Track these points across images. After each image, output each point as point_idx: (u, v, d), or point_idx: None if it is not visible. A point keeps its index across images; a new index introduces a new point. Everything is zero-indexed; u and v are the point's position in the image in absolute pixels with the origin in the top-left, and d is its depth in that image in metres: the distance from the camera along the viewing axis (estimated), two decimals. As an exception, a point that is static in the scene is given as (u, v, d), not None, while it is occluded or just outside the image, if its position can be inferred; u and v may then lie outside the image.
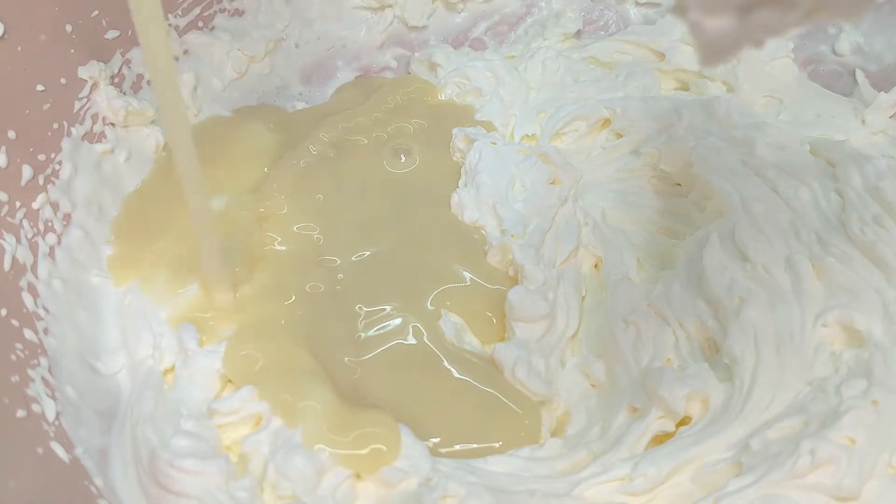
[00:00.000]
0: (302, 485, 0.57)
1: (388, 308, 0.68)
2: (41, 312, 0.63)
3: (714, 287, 0.66)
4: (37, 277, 0.64)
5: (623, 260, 0.72)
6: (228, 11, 0.81)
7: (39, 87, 0.67)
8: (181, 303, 0.67)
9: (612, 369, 0.66)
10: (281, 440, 0.59)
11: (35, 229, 0.65)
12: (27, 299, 0.62)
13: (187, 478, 0.56)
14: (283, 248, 0.71)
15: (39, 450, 0.55)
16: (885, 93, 0.77)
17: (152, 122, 0.75)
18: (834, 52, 0.83)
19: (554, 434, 0.65)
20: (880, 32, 0.80)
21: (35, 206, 0.66)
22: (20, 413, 0.55)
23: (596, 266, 0.73)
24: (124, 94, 0.73)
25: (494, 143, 0.77)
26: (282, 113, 0.83)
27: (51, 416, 0.57)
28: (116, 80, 0.73)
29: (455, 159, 0.79)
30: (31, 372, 0.59)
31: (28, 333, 0.61)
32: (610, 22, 0.90)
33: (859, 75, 0.81)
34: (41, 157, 0.67)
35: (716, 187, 0.72)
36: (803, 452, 0.56)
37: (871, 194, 0.69)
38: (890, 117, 0.77)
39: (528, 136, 0.81)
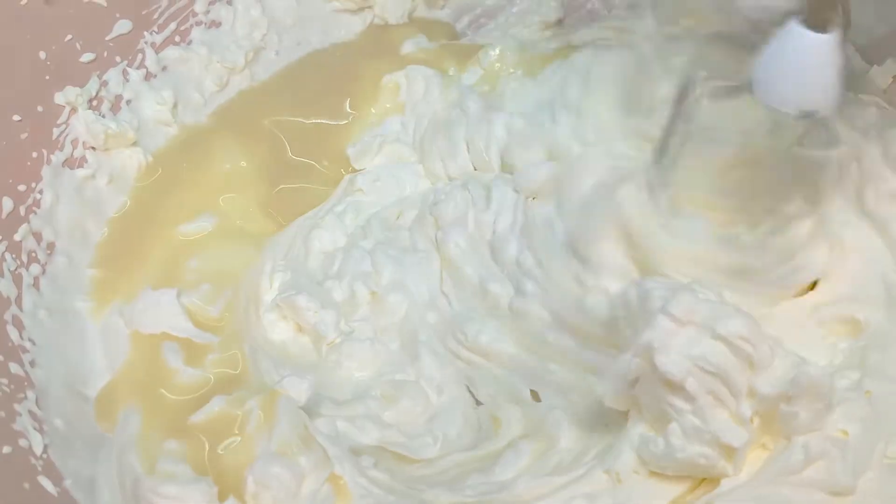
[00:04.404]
0: (283, 493, 0.57)
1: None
2: (27, 345, 0.63)
3: None
4: (21, 310, 0.64)
5: None
6: (205, 24, 0.80)
7: (16, 118, 0.67)
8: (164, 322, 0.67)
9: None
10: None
11: (18, 261, 0.66)
12: (12, 333, 0.63)
13: None
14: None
15: (26, 485, 0.55)
16: (878, 66, 0.75)
17: (133, 144, 0.75)
18: (823, 25, 0.80)
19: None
20: (870, 4, 0.77)
21: (17, 237, 0.66)
22: (6, 449, 0.56)
23: None
24: (103, 116, 0.73)
25: None
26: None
27: (38, 449, 0.58)
28: (94, 104, 0.73)
29: None
30: (17, 406, 0.59)
31: (14, 367, 0.61)
32: (594, 7, 0.88)
33: (849, 48, 0.78)
34: (21, 187, 0.67)
35: None
36: (796, 447, 0.55)
37: (890, 167, 0.66)
38: (884, 90, 0.75)
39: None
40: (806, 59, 0.54)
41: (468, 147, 0.75)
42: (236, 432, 0.60)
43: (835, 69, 0.54)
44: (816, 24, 0.53)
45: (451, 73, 0.80)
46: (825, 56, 0.53)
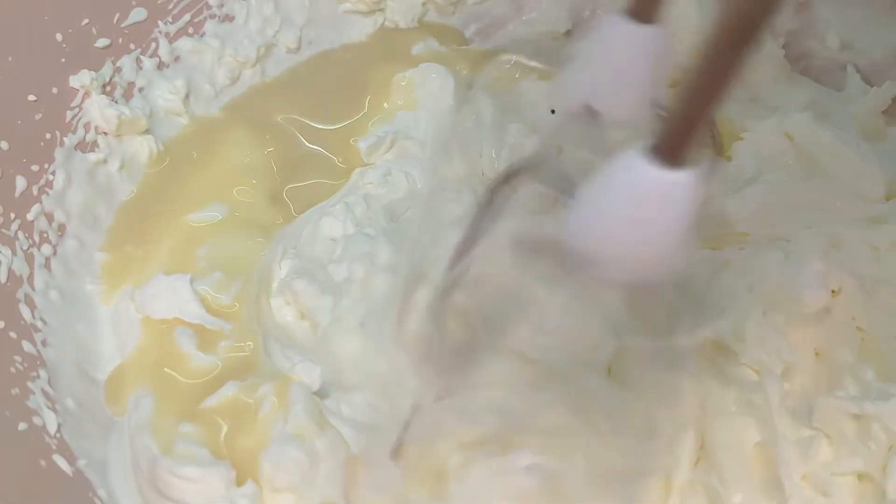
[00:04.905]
0: (298, 475, 0.57)
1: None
2: (39, 324, 0.62)
3: None
4: (33, 289, 0.64)
5: None
6: (218, 17, 0.80)
7: (31, 98, 0.67)
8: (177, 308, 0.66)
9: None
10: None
11: (30, 240, 0.65)
12: (24, 311, 0.62)
13: (188, 485, 0.56)
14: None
15: (42, 463, 0.55)
16: (877, 87, 0.77)
17: (145, 131, 0.74)
18: (824, 47, 0.83)
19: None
20: (869, 27, 0.80)
21: (30, 217, 0.65)
22: (22, 426, 0.55)
23: None
24: (116, 102, 0.72)
25: None
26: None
27: (52, 428, 0.57)
28: (108, 89, 0.73)
29: None
30: (30, 384, 0.58)
31: (27, 345, 0.60)
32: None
33: (849, 70, 0.81)
34: (34, 167, 0.67)
35: None
36: None
37: None
38: (882, 112, 0.77)
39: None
40: (644, 206, 0.36)
41: (481, 152, 0.76)
42: (250, 417, 0.60)
43: (684, 223, 0.36)
44: (668, 155, 0.35)
45: (463, 74, 0.82)
46: (674, 203, 0.35)
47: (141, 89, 0.75)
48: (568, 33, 0.89)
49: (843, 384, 0.60)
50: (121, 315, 0.67)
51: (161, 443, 0.58)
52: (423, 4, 0.88)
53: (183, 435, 0.59)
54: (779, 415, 0.58)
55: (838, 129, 0.73)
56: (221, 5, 0.81)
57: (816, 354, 0.62)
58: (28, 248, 0.64)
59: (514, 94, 0.80)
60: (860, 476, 0.58)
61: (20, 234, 0.64)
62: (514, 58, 0.82)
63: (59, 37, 0.69)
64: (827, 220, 0.70)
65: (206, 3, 0.80)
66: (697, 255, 0.65)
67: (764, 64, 0.82)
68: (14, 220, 0.64)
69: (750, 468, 0.58)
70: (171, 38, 0.78)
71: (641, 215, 0.36)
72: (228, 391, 0.61)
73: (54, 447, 0.56)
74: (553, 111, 0.78)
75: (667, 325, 0.55)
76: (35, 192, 0.66)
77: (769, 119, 0.75)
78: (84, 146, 0.71)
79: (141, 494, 0.58)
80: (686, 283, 0.63)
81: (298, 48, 0.84)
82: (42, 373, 0.60)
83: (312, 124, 0.79)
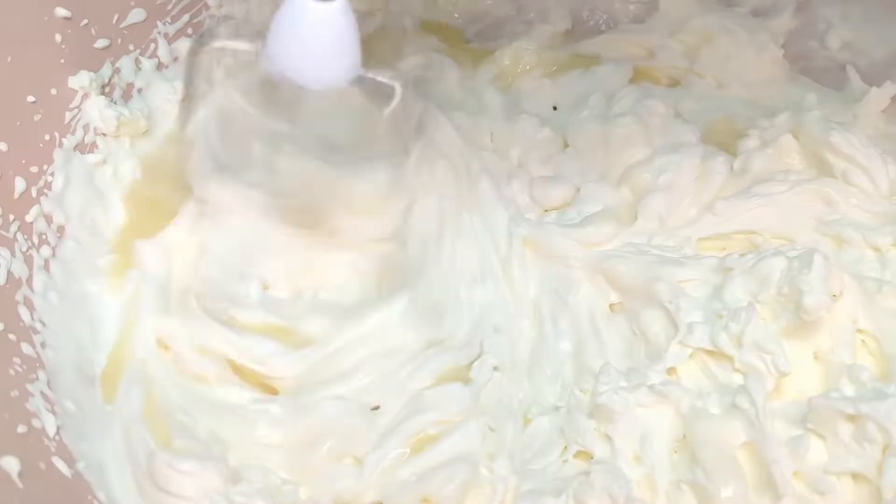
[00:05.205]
0: None
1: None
2: (38, 326, 0.62)
3: None
4: (32, 290, 0.64)
5: None
6: (217, 17, 0.80)
7: (30, 99, 0.67)
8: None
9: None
10: None
11: (29, 242, 0.65)
12: (24, 313, 0.62)
13: (185, 479, 0.56)
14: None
15: (42, 465, 0.55)
16: (877, 87, 0.77)
17: (144, 132, 0.74)
18: (824, 47, 0.83)
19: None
20: (870, 27, 0.80)
21: (28, 218, 0.65)
22: (21, 429, 0.55)
23: None
24: (115, 103, 0.72)
25: None
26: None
27: (51, 430, 0.57)
28: (107, 90, 0.72)
29: None
30: (29, 387, 0.58)
31: (26, 348, 0.60)
32: (600, 21, 0.90)
33: (849, 70, 0.81)
34: (33, 168, 0.66)
35: None
36: None
37: None
38: (882, 111, 0.77)
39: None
40: (311, 31, 0.53)
41: (491, 138, 0.77)
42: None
43: (343, 40, 0.54)
44: None
45: (466, 69, 0.82)
46: (330, 27, 0.53)
47: (140, 90, 0.75)
48: (567, 34, 0.89)
49: (840, 385, 0.60)
50: (118, 314, 0.67)
51: (158, 435, 0.59)
52: (424, 4, 0.88)
53: (180, 422, 0.59)
54: (765, 416, 0.58)
55: (842, 128, 0.73)
56: (220, 5, 0.80)
57: (815, 357, 0.62)
58: (27, 250, 0.64)
59: (515, 91, 0.81)
60: (855, 476, 0.58)
61: (19, 236, 0.64)
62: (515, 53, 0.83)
63: (58, 37, 0.69)
64: (832, 220, 0.70)
65: (205, 3, 0.80)
66: (701, 262, 0.66)
67: (764, 64, 0.82)
68: (13, 221, 0.64)
69: (738, 464, 0.58)
70: (170, 39, 0.78)
71: (308, 37, 0.53)
72: None
73: (53, 449, 0.56)
74: (555, 108, 0.80)
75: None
76: (34, 193, 0.66)
77: (776, 118, 0.75)
78: (83, 147, 0.71)
79: (139, 490, 0.58)
80: (687, 291, 0.64)
81: (298, 48, 0.84)
82: (41, 375, 0.60)
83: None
